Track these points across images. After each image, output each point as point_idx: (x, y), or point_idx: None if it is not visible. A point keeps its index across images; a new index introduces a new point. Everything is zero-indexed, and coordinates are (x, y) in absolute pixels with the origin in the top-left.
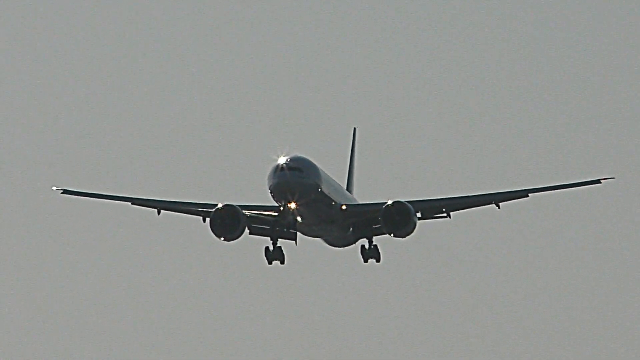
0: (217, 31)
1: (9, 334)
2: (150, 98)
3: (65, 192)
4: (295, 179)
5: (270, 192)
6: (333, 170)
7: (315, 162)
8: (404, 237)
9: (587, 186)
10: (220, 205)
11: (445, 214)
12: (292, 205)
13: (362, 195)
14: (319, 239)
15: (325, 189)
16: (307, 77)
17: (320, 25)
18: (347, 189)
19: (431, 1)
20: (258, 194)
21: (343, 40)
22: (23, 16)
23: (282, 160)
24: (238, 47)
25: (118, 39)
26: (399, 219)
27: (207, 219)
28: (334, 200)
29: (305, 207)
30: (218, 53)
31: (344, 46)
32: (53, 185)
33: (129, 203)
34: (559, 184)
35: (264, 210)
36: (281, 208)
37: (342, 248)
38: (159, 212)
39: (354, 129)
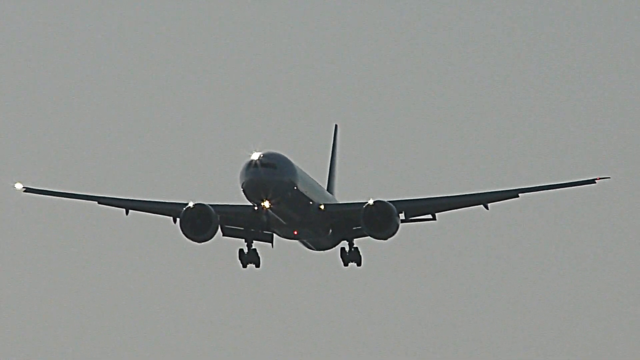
0: (196, 29)
1: None
2: (120, 93)
3: (27, 190)
4: (269, 177)
5: (243, 191)
6: (312, 169)
7: (290, 159)
8: (386, 239)
9: (581, 186)
10: (191, 205)
11: (430, 216)
12: (266, 205)
13: (345, 197)
14: (296, 241)
15: (301, 187)
16: (286, 70)
17: (303, 21)
18: (328, 190)
19: None
20: (231, 193)
21: (326, 34)
22: None
23: (255, 156)
24: (217, 44)
25: (88, 30)
26: (380, 219)
27: (177, 219)
28: (311, 200)
29: (281, 206)
30: (196, 50)
31: (327, 40)
32: (15, 183)
33: (96, 202)
34: (551, 183)
35: (237, 210)
36: (255, 208)
37: (321, 251)
38: (127, 212)
39: (335, 125)
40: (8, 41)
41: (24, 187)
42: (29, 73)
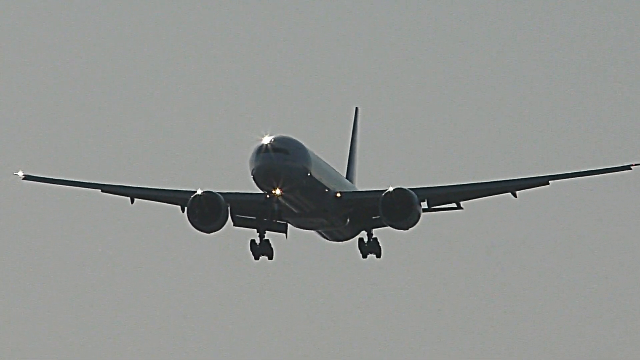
0: (201, 14)
1: None
2: (125, 81)
3: (27, 177)
4: (281, 162)
5: (253, 178)
6: (330, 155)
7: (304, 144)
8: (407, 229)
9: (616, 172)
10: (199, 192)
11: (455, 204)
12: (278, 193)
13: (366, 184)
14: (312, 232)
15: (315, 173)
16: (302, 51)
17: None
18: (347, 177)
19: None
20: (243, 181)
21: (345, 18)
22: None
23: (265, 140)
24: (228, 27)
25: (91, 19)
26: (400, 208)
27: (185, 208)
28: (326, 187)
29: (294, 194)
30: (205, 32)
31: (346, 23)
32: (16, 171)
33: (99, 190)
34: (584, 170)
35: (248, 199)
36: (267, 196)
37: (338, 242)
38: (132, 201)
39: (356, 108)
40: (11, 31)
41: (23, 175)
42: (32, 62)
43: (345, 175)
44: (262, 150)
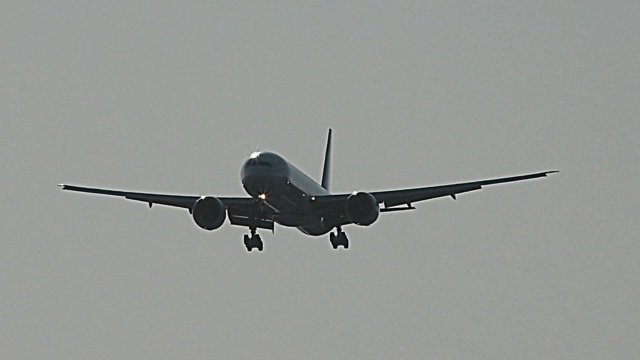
0: (205, 33)
1: (16, 323)
2: (145, 105)
3: (67, 187)
4: (264, 173)
5: (243, 186)
6: (310, 168)
7: (284, 158)
8: (368, 224)
9: (535, 179)
10: (202, 197)
11: (407, 205)
12: (263, 197)
13: (339, 190)
14: (294, 228)
15: (294, 181)
16: (290, 81)
17: (307, 30)
18: (323, 185)
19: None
20: (237, 187)
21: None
22: (22, 17)
23: (253, 155)
24: (237, 57)
25: (113, 48)
26: (362, 208)
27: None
28: (303, 193)
29: (276, 198)
30: (209, 57)
31: (324, 54)
32: (57, 182)
33: (124, 197)
34: (508, 176)
35: (241, 202)
36: (256, 200)
37: (315, 236)
38: (150, 205)
39: (329, 129)
40: (46, 51)
41: (64, 185)
42: (70, 83)
43: (321, 183)
44: (249, 163)
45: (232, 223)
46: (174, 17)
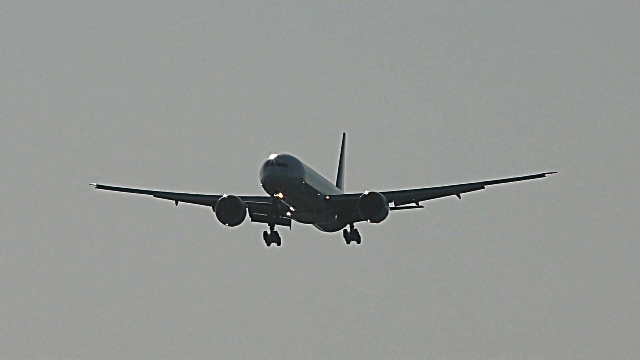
0: (228, 37)
1: (42, 315)
2: (174, 111)
3: (99, 187)
4: (281, 174)
5: (262, 185)
6: (326, 169)
7: (300, 159)
8: (379, 222)
9: (534, 179)
10: (225, 196)
11: (415, 204)
12: (280, 196)
13: (353, 189)
14: (310, 225)
15: (309, 181)
16: (310, 87)
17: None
18: (337, 185)
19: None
20: (258, 187)
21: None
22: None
23: (271, 157)
24: (252, 58)
25: (124, 51)
26: (373, 206)
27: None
28: (318, 192)
29: (292, 197)
30: (232, 63)
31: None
32: (89, 182)
33: (152, 195)
34: (509, 177)
35: (260, 201)
36: (274, 199)
37: (330, 232)
38: (176, 203)
39: (344, 133)
40: (73, 53)
41: (96, 185)
42: (99, 89)
43: (335, 183)
44: (268, 164)
45: (252, 220)
46: (200, 21)
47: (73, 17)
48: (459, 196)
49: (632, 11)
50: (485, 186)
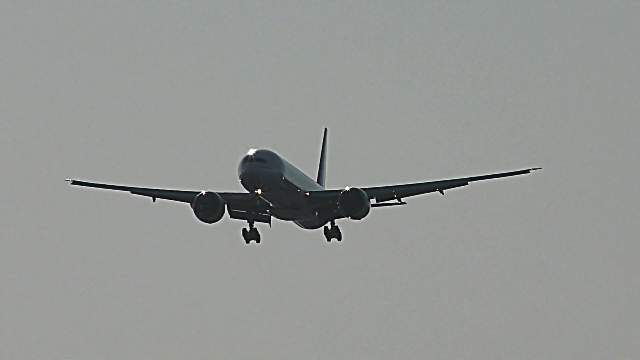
0: (204, 32)
1: (19, 312)
2: (149, 106)
3: (75, 182)
4: (260, 169)
5: (240, 181)
6: (308, 165)
7: (280, 155)
8: (360, 219)
9: (519, 175)
10: (202, 192)
11: (397, 200)
12: (259, 192)
13: (334, 186)
14: (290, 222)
15: (288, 177)
16: (290, 81)
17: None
18: (319, 181)
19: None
20: (237, 183)
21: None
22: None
23: (249, 152)
24: (230, 53)
25: (117, 51)
26: (354, 203)
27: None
28: (298, 188)
29: (272, 193)
30: (210, 59)
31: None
32: (65, 178)
33: (129, 192)
34: (493, 173)
35: (239, 197)
36: (253, 195)
37: (310, 229)
38: (153, 199)
39: (325, 129)
40: (50, 49)
41: (72, 181)
42: (77, 83)
43: (316, 179)
44: (246, 160)
45: (231, 217)
46: (173, 17)
47: (55, 13)
48: (442, 192)
49: (627, 10)
50: (468, 182)
